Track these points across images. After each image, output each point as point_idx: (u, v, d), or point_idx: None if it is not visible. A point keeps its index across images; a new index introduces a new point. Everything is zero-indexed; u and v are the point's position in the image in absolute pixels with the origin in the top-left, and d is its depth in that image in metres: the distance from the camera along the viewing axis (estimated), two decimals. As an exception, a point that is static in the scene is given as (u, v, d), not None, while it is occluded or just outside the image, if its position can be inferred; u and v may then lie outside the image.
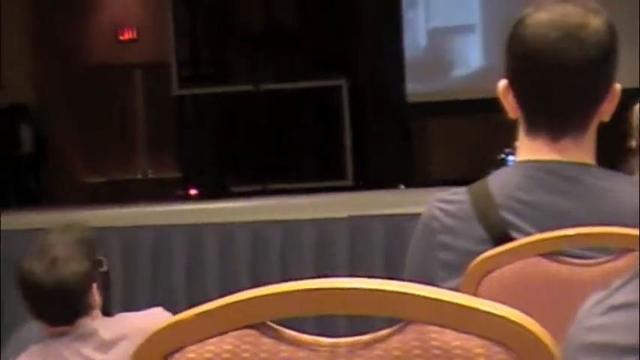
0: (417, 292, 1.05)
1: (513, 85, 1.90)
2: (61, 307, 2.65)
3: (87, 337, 2.68)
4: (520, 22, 1.88)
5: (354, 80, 9.13)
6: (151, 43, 10.34)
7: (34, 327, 3.95)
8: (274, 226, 5.45)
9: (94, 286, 2.71)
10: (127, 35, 10.58)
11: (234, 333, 1.11)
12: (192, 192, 8.73)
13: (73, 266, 2.63)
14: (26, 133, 9.97)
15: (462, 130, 8.69)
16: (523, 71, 1.88)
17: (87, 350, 2.67)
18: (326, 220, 5.41)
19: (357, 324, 4.68)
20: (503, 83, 1.92)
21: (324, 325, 4.61)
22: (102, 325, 2.70)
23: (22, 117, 9.97)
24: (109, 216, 6.25)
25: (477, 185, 1.90)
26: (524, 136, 1.91)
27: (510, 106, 1.93)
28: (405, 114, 9.00)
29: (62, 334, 2.69)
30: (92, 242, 2.73)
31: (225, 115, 9.54)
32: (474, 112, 8.28)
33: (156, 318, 2.78)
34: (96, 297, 2.72)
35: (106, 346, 2.67)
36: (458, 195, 1.91)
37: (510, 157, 2.27)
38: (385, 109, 9.00)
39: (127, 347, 2.63)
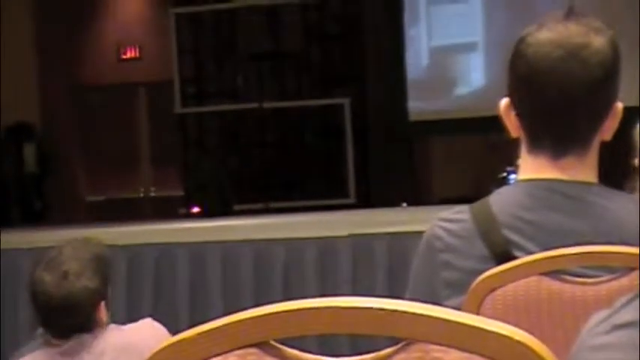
0: (420, 311, 1.05)
1: (515, 103, 1.91)
2: (67, 320, 2.66)
3: (80, 351, 2.68)
4: (522, 41, 1.89)
5: (356, 99, 9.15)
6: (154, 61, 10.36)
7: (35, 345, 3.95)
8: (277, 245, 5.45)
9: (103, 303, 2.72)
10: (130, 54, 10.61)
11: (237, 352, 1.11)
12: (195, 210, 8.73)
13: (83, 281, 2.64)
14: (30, 152, 9.99)
15: (464, 149, 8.70)
16: (525, 90, 1.89)
17: None
18: (328, 238, 5.41)
19: (359, 343, 4.68)
20: (504, 102, 1.93)
21: (326, 344, 4.61)
22: (96, 338, 2.71)
23: (27, 136, 9.99)
24: (112, 234, 6.25)
25: (479, 204, 1.90)
26: (526, 154, 1.92)
27: (512, 125, 1.93)
28: (408, 132, 9.01)
29: (59, 346, 2.69)
30: (105, 259, 2.74)
31: (229, 133, 9.56)
32: (476, 130, 8.28)
33: (147, 330, 2.79)
34: (103, 314, 2.73)
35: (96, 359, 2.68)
36: (460, 214, 1.91)
37: (512, 176, 2.28)
38: (388, 127, 9.01)
39: None
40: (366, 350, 1.13)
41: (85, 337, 2.68)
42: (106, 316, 2.75)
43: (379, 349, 1.10)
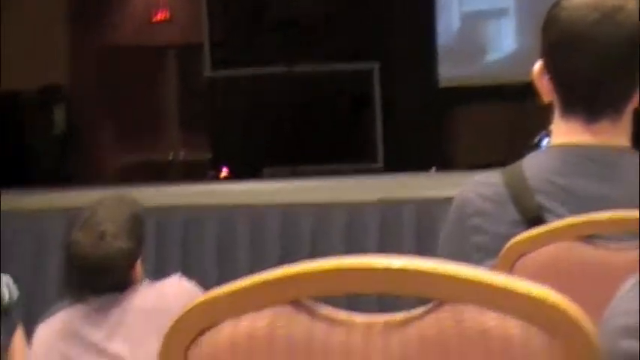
0: (453, 272, 1.05)
1: (549, 67, 1.89)
2: (103, 281, 2.68)
3: (113, 308, 2.69)
4: (556, 5, 1.87)
5: (386, 63, 9.11)
6: (184, 24, 10.35)
7: (65, 304, 3.97)
8: (305, 209, 5.46)
9: (138, 262, 2.73)
10: (160, 16, 10.60)
11: (269, 310, 1.11)
12: (224, 173, 8.75)
13: (120, 242, 2.65)
14: (59, 114, 10.02)
15: (495, 115, 8.65)
16: (559, 53, 1.87)
17: (109, 322, 2.69)
18: (356, 203, 5.41)
19: (387, 303, 4.67)
20: (538, 66, 1.91)
21: (354, 304, 4.62)
22: (130, 296, 2.72)
23: (56, 98, 10.01)
24: (140, 196, 6.26)
25: (511, 168, 1.90)
26: (559, 119, 1.90)
27: (545, 89, 1.92)
28: (437, 98, 8.97)
29: (93, 303, 2.71)
30: (140, 218, 2.75)
31: (258, 97, 9.55)
32: (506, 96, 8.24)
33: (179, 287, 2.80)
34: (139, 273, 2.75)
35: (127, 316, 2.69)
36: (492, 178, 1.90)
37: (544, 141, 2.26)
38: (417, 93, 8.97)
39: (151, 318, 2.65)
40: (394, 307, 1.13)
41: (119, 294, 2.70)
42: (141, 275, 2.76)
43: (406, 310, 1.09)
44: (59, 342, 2.70)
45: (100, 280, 2.68)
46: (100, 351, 2.66)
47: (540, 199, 1.82)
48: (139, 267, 2.74)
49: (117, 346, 2.62)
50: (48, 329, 2.76)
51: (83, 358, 2.66)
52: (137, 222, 2.72)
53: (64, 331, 2.71)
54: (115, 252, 2.64)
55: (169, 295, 2.69)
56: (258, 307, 1.11)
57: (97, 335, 2.69)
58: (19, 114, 9.79)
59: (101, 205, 2.72)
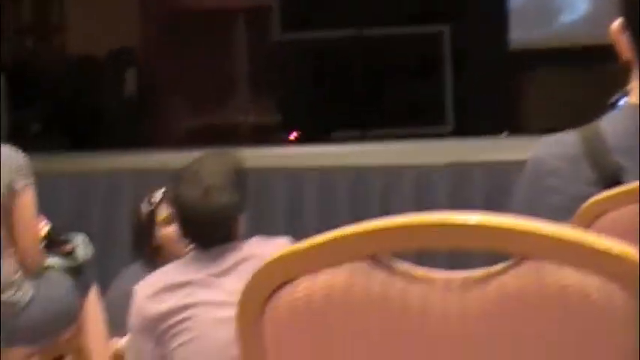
0: (533, 228, 1.04)
1: (629, 23, 1.86)
2: (211, 234, 2.72)
3: (222, 259, 2.73)
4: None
5: (457, 26, 9.03)
6: (253, -13, 10.35)
7: (138, 267, 4.03)
8: (374, 172, 5.45)
9: (242, 217, 2.78)
10: (229, -20, 10.61)
11: (347, 265, 1.11)
12: (293, 136, 8.76)
13: (226, 196, 2.70)
14: (130, 77, 10.09)
15: (568, 78, 8.54)
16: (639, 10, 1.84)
17: (222, 266, 2.73)
18: (426, 166, 5.38)
19: (456, 260, 4.65)
20: (616, 23, 1.88)
21: (423, 262, 4.60)
22: (237, 249, 2.75)
23: (127, 61, 10.09)
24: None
25: (587, 128, 1.87)
26: (638, 77, 1.87)
27: (623, 47, 1.88)
28: (509, 61, 8.88)
29: (202, 255, 2.74)
30: (243, 173, 2.79)
31: (327, 60, 9.53)
32: (579, 59, 8.13)
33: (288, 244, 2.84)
34: (242, 226, 2.79)
35: (240, 261, 2.72)
36: (567, 137, 1.87)
37: (622, 101, 2.22)
38: (488, 56, 8.89)
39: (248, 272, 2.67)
40: (466, 266, 1.12)
41: (227, 246, 2.73)
42: (243, 230, 2.81)
43: (476, 267, 1.09)
44: (167, 293, 2.74)
45: (207, 233, 2.72)
46: (216, 287, 2.69)
47: (618, 158, 1.79)
48: (242, 221, 2.79)
49: (232, 283, 2.65)
50: (153, 281, 2.80)
51: (198, 294, 2.69)
52: (240, 176, 2.77)
53: (172, 283, 2.75)
54: (221, 205, 2.69)
55: (282, 245, 2.72)
56: (336, 262, 1.12)
57: (210, 276, 2.72)
58: (90, 78, 9.89)
59: (206, 161, 2.78)
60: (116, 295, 3.97)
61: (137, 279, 3.97)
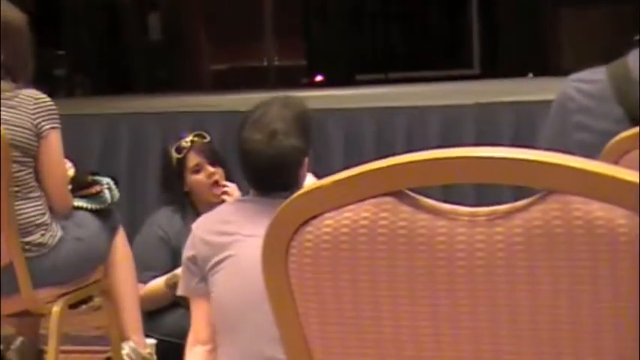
0: (560, 162, 1.03)
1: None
2: (275, 178, 2.72)
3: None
4: None
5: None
6: None
7: (163, 213, 4.04)
8: (399, 113, 5.43)
9: (306, 160, 2.77)
10: None
11: (372, 200, 1.11)
12: (318, 79, 8.73)
13: (291, 140, 2.69)
14: (155, 21, 10.07)
15: (594, 20, 8.46)
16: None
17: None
18: (453, 106, 5.36)
19: (483, 194, 4.64)
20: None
21: (451, 195, 4.60)
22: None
23: (151, 4, 10.06)
24: (235, 101, 6.30)
25: (615, 64, 1.85)
26: (667, 14, 1.85)
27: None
28: (535, 2, 8.79)
29: (265, 200, 2.74)
30: (308, 118, 2.78)
31: (352, 3, 9.47)
32: (606, 0, 8.04)
33: None
34: (305, 171, 2.78)
35: None
36: (595, 74, 1.86)
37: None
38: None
39: None
40: (492, 202, 1.12)
41: (286, 195, 2.73)
42: (305, 174, 2.80)
43: (503, 203, 1.08)
44: (217, 236, 2.75)
45: (272, 177, 2.72)
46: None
47: (646, 95, 1.77)
48: (305, 165, 2.78)
49: None
50: (204, 223, 2.82)
51: (245, 229, 2.70)
52: (305, 121, 2.75)
53: (221, 229, 2.76)
54: (286, 149, 2.68)
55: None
56: (361, 197, 1.11)
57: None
58: (115, 22, 9.88)
59: (270, 105, 2.76)
60: (147, 237, 3.99)
61: (168, 223, 4.00)
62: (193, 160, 4.01)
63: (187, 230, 3.52)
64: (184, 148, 4.01)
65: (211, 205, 3.86)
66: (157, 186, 4.38)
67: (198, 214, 3.79)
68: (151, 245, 3.95)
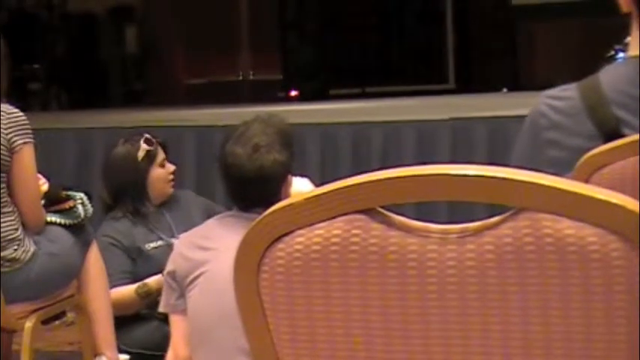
0: (531, 179, 1.04)
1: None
2: (258, 192, 2.72)
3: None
4: None
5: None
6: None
7: (105, 225, 4.03)
8: (375, 128, 5.44)
9: (289, 176, 2.78)
10: None
11: (344, 218, 1.11)
12: (294, 93, 8.73)
13: (273, 154, 2.70)
14: (131, 34, 10.06)
15: (567, 33, 8.50)
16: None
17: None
18: (427, 121, 5.38)
19: (456, 211, 4.65)
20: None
21: (424, 212, 4.60)
22: None
23: (127, 17, 10.05)
24: (211, 116, 6.29)
25: (587, 81, 1.85)
26: (638, 30, 1.86)
27: (623, 0, 1.87)
28: (509, 16, 8.83)
29: (246, 214, 2.74)
30: (290, 135, 2.80)
31: (328, 17, 9.49)
32: (579, 13, 8.08)
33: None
34: (289, 188, 2.78)
35: None
36: (567, 91, 1.86)
37: (620, 54, 2.21)
38: (489, 11, 8.84)
39: None
40: (464, 220, 1.12)
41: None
42: (289, 193, 2.80)
43: (476, 219, 1.08)
44: (197, 250, 2.77)
45: (254, 191, 2.72)
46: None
47: (617, 111, 1.78)
48: (289, 181, 2.78)
49: None
50: (187, 238, 2.84)
51: (220, 250, 2.69)
52: (288, 137, 2.78)
53: (201, 244, 2.78)
54: (268, 162, 2.69)
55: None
56: (333, 214, 1.11)
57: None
58: (91, 34, 9.86)
59: (253, 121, 2.79)
60: (101, 252, 3.97)
61: (114, 230, 3.98)
62: (161, 154, 4.08)
63: (141, 221, 3.57)
64: (152, 142, 4.07)
65: (165, 197, 3.97)
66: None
67: (151, 205, 3.86)
68: (105, 256, 3.90)
